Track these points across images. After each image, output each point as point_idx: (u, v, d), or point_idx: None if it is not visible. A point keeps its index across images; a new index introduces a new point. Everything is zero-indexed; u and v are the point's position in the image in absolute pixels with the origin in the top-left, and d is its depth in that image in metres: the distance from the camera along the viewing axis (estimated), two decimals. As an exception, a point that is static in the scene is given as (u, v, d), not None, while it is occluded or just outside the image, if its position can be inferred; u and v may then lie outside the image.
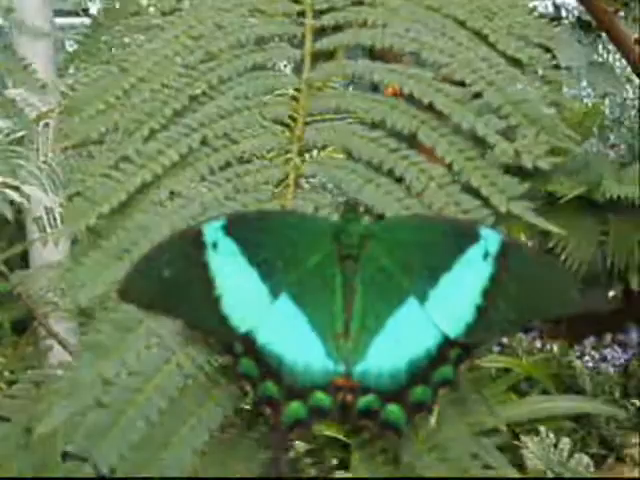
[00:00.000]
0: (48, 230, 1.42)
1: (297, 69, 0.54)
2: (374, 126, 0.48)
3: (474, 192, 0.45)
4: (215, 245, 0.40)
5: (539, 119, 0.47)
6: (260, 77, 0.51)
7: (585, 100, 2.66)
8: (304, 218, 0.43)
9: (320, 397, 0.39)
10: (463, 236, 0.41)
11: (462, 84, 0.49)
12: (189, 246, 0.41)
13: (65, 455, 1.26)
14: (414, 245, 0.41)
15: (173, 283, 0.40)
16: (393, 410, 0.39)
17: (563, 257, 2.50)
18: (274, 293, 0.40)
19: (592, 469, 1.28)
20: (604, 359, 2.48)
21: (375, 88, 0.59)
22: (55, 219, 1.41)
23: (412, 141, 0.48)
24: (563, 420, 2.12)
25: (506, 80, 0.49)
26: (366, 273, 0.41)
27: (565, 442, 1.31)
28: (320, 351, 0.40)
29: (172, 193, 0.46)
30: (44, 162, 1.36)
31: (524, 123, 0.47)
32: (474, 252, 0.40)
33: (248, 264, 0.40)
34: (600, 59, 2.52)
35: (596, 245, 2.61)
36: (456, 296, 0.40)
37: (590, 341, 2.56)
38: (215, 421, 0.38)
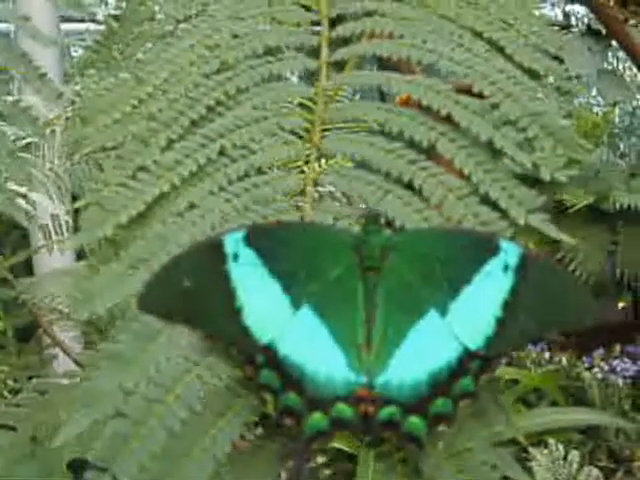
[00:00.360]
0: (54, 237, 1.43)
1: (308, 79, 0.55)
2: (390, 136, 0.49)
3: (492, 204, 0.46)
4: (236, 256, 0.41)
5: (556, 131, 0.48)
6: (277, 87, 0.52)
7: (595, 109, 2.66)
8: (325, 229, 0.44)
9: (342, 408, 0.39)
10: (483, 249, 0.41)
11: (478, 96, 0.50)
12: (209, 257, 0.41)
13: (70, 465, 1.27)
14: (435, 258, 0.42)
15: (193, 294, 0.40)
16: (414, 422, 0.39)
17: (572, 267, 2.51)
18: (296, 304, 0.41)
19: (602, 482, 1.28)
20: (613, 371, 2.48)
21: (383, 97, 0.60)
22: (61, 226, 1.42)
23: (428, 153, 0.48)
24: (572, 432, 2.13)
25: (524, 92, 0.50)
26: (387, 285, 0.41)
27: (574, 454, 1.31)
28: (342, 362, 0.40)
29: (191, 204, 0.46)
30: (50, 169, 1.37)
31: (541, 135, 0.48)
32: (494, 265, 0.41)
33: (269, 275, 0.41)
34: (610, 67, 2.53)
35: (606, 255, 2.61)
36: (476, 309, 0.41)
37: (599, 353, 2.56)
38: (236, 432, 0.39)
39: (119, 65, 0.61)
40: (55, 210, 1.39)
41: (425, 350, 0.40)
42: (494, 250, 0.41)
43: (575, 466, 1.32)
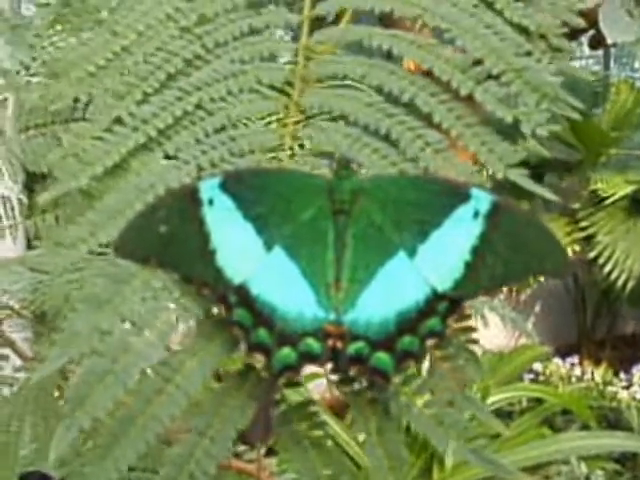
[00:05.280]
0: (5, 222, 1.49)
1: (295, 37, 0.64)
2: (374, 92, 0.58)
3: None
4: (211, 201, 0.51)
5: (541, 86, 0.57)
6: (257, 42, 0.62)
7: (637, 83, 2.74)
8: (299, 175, 0.54)
9: (310, 343, 0.49)
10: (454, 195, 0.51)
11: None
12: (185, 202, 0.51)
13: (21, 478, 1.36)
14: (405, 202, 0.51)
15: (169, 238, 0.50)
16: (382, 357, 0.49)
17: (608, 268, 2.57)
18: (268, 246, 0.51)
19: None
20: (655, 390, 2.56)
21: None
22: (13, 209, 1.48)
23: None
24: (605, 461, 2.21)
25: (510, 48, 0.59)
26: (357, 227, 0.51)
27: (598, 474, 1.40)
28: (312, 300, 0.50)
29: (167, 156, 0.56)
30: (1, 143, 1.44)
31: (525, 90, 0.57)
32: (464, 211, 0.50)
33: (243, 219, 0.51)
34: (654, 35, 2.60)
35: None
36: (445, 252, 0.50)
37: (639, 369, 2.64)
38: (208, 371, 0.48)
39: (93, 18, 0.70)
40: (6, 191, 1.45)
41: (393, 290, 0.50)
42: (465, 197, 0.51)
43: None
